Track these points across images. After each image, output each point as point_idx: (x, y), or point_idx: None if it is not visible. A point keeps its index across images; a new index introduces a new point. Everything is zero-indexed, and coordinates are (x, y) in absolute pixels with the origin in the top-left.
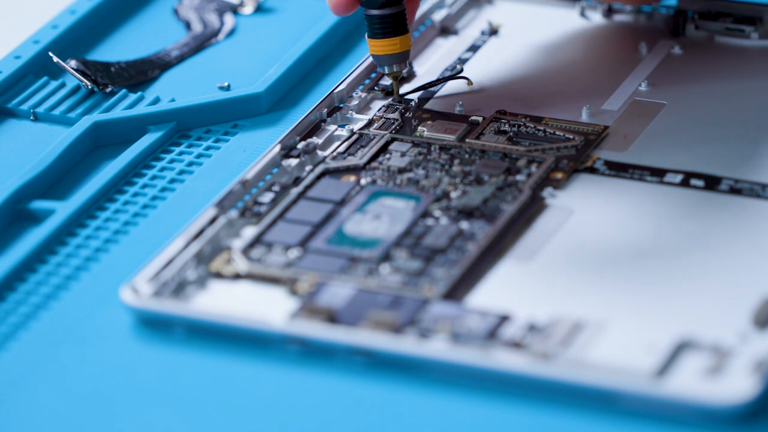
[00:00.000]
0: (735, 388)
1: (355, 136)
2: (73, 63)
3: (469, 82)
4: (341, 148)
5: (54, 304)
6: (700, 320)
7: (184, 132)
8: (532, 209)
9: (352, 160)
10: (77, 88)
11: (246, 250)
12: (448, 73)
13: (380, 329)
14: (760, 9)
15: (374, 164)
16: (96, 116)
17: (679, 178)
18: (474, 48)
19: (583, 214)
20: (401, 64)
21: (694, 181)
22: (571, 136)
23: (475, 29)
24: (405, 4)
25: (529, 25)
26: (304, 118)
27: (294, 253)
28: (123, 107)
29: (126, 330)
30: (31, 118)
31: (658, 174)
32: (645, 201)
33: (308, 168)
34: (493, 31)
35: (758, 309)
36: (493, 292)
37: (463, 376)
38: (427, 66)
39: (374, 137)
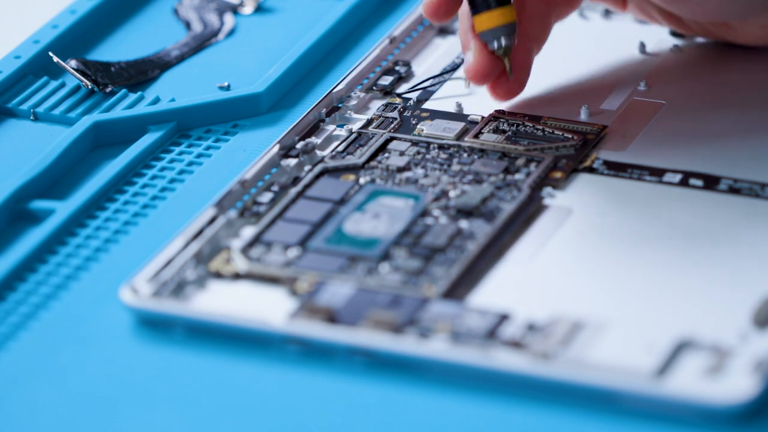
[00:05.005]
0: (735, 388)
1: (353, 135)
2: (73, 63)
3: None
4: (340, 148)
5: (54, 304)
6: (700, 320)
7: (184, 132)
8: (531, 208)
9: (351, 160)
10: (77, 88)
11: (245, 250)
12: (447, 75)
13: (380, 329)
14: None
15: (373, 163)
16: (96, 116)
17: (678, 177)
18: None
19: (582, 213)
20: (509, 36)
21: (693, 181)
22: (570, 136)
23: None
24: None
25: None
26: (302, 118)
27: (293, 253)
28: (123, 107)
29: (126, 330)
30: (31, 118)
31: (657, 174)
32: (644, 201)
33: (307, 168)
34: None
35: (758, 309)
36: (492, 292)
37: (462, 376)
38: (426, 66)
39: (373, 136)
